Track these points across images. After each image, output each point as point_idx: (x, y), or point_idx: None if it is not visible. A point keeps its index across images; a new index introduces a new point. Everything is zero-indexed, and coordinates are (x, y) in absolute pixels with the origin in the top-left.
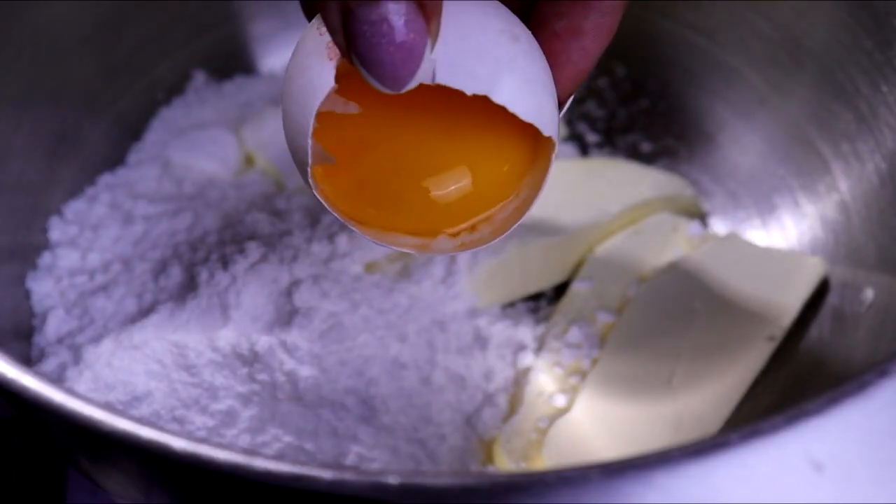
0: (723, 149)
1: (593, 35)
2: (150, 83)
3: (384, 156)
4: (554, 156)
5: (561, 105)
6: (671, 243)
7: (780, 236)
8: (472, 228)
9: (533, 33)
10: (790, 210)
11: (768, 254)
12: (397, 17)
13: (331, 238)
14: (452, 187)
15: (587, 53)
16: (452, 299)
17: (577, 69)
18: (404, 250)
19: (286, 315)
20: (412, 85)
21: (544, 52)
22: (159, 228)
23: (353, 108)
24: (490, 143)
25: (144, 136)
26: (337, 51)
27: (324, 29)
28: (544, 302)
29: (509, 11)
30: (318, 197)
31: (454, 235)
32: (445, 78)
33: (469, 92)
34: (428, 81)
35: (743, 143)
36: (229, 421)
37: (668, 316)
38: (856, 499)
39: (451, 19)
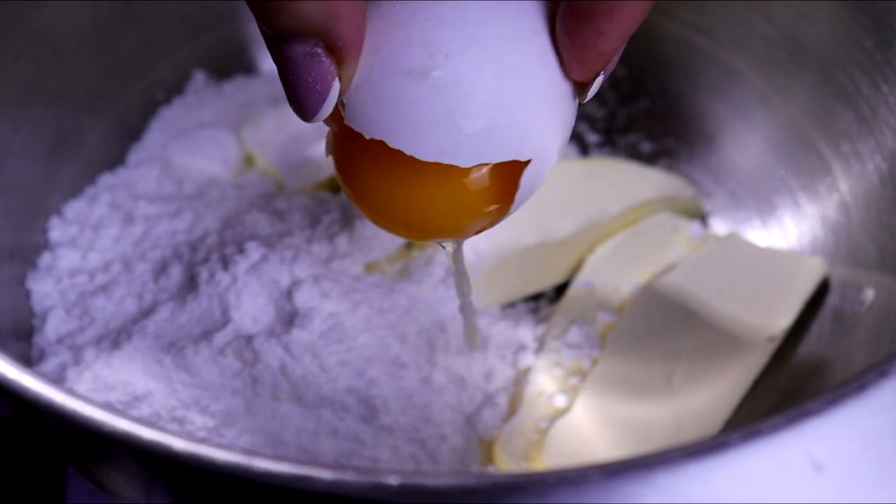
0: (723, 149)
1: (608, 17)
2: (150, 83)
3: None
4: (526, 171)
5: (586, 87)
6: (671, 243)
7: (780, 236)
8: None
9: (558, 11)
10: (790, 210)
11: (768, 254)
12: (307, 57)
13: (331, 238)
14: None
15: (604, 36)
16: (453, 299)
17: (595, 50)
18: (400, 237)
19: (286, 315)
20: (319, 119)
21: (559, 32)
22: (159, 228)
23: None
24: None
25: (144, 136)
26: None
27: None
28: (544, 302)
29: (458, 16)
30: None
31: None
32: (350, 120)
33: (367, 136)
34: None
35: (743, 143)
36: (229, 421)
37: (668, 316)
38: (856, 499)
39: (368, 55)
